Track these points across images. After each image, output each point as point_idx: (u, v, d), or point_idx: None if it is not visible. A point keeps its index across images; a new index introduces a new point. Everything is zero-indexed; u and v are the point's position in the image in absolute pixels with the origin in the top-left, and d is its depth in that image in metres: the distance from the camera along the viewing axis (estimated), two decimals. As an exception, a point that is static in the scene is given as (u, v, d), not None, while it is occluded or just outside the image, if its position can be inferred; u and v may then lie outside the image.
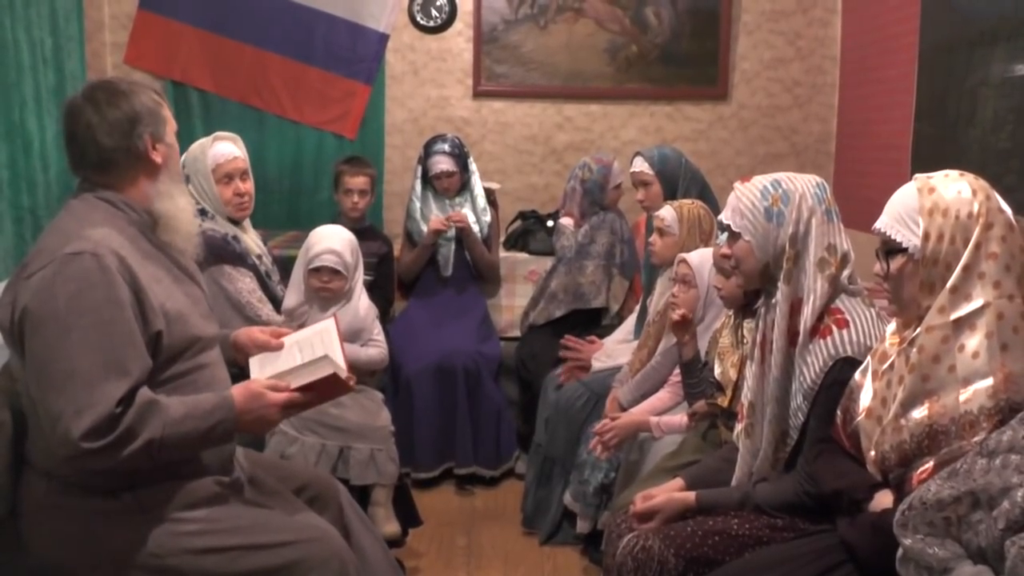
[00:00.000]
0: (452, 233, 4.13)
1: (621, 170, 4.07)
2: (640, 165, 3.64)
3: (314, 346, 2.18)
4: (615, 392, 3.19)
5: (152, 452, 1.80)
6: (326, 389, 2.05)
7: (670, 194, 3.54)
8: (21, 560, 1.94)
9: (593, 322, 4.00)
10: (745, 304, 2.46)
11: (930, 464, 1.68)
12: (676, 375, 2.93)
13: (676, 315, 2.80)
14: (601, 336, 3.74)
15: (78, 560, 1.89)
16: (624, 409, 3.06)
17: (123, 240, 1.90)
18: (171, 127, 2.07)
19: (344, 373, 2.06)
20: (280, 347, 2.24)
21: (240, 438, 2.07)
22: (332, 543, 2.04)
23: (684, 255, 2.93)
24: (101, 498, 1.87)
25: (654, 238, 3.23)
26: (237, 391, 1.95)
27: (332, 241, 3.12)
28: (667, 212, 3.18)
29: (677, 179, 3.60)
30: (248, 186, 3.10)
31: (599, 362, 3.50)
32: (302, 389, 2.00)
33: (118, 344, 1.80)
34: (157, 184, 2.02)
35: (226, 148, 3.07)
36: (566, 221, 4.15)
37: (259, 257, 3.13)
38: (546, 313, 4.03)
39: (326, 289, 3.09)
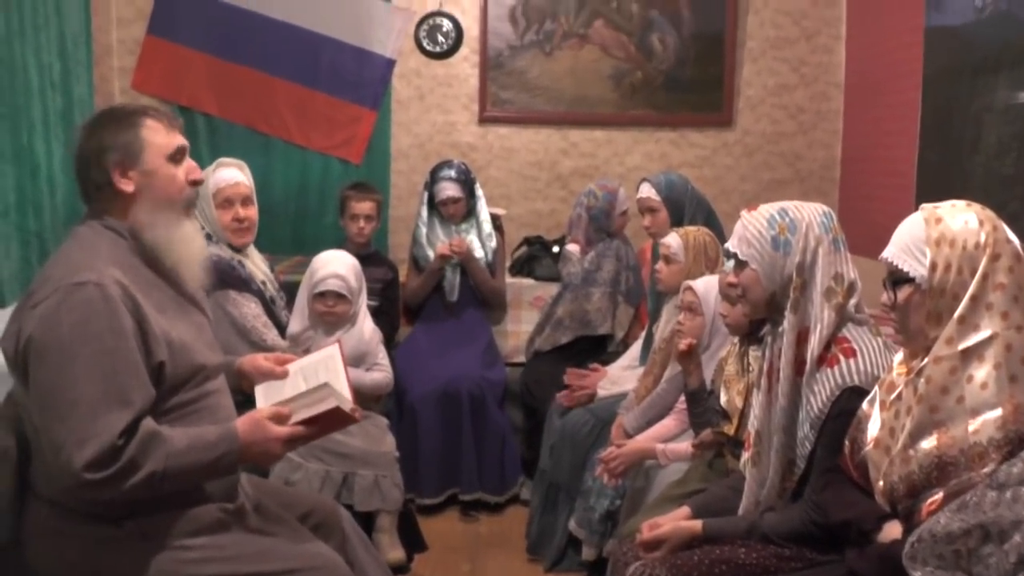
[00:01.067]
0: (457, 259, 4.13)
1: (627, 197, 4.07)
2: (647, 191, 3.64)
3: (319, 374, 2.16)
4: (621, 419, 3.18)
5: (154, 484, 1.79)
6: (330, 422, 2.02)
7: (676, 221, 3.54)
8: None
9: (598, 349, 4.00)
10: (750, 332, 2.45)
11: (939, 496, 1.67)
12: (682, 402, 2.91)
13: (682, 344, 2.79)
14: (606, 363, 3.73)
15: (81, 587, 1.88)
16: (630, 436, 3.05)
17: (127, 269, 1.89)
18: (156, 151, 1.98)
19: (348, 405, 2.03)
20: (284, 375, 2.23)
21: (243, 465, 2.06)
22: (336, 571, 2.03)
23: (690, 282, 2.92)
24: (104, 525, 1.86)
25: (660, 265, 3.23)
26: (241, 423, 1.94)
27: (336, 266, 3.13)
28: (673, 239, 3.18)
29: (683, 205, 3.60)
30: (249, 212, 3.07)
31: (604, 389, 3.49)
32: (306, 422, 1.98)
33: (121, 374, 1.79)
34: (137, 213, 1.99)
35: (228, 173, 3.07)
36: (572, 247, 4.15)
37: (264, 282, 3.13)
38: (552, 339, 4.04)
39: (331, 314, 3.10)
